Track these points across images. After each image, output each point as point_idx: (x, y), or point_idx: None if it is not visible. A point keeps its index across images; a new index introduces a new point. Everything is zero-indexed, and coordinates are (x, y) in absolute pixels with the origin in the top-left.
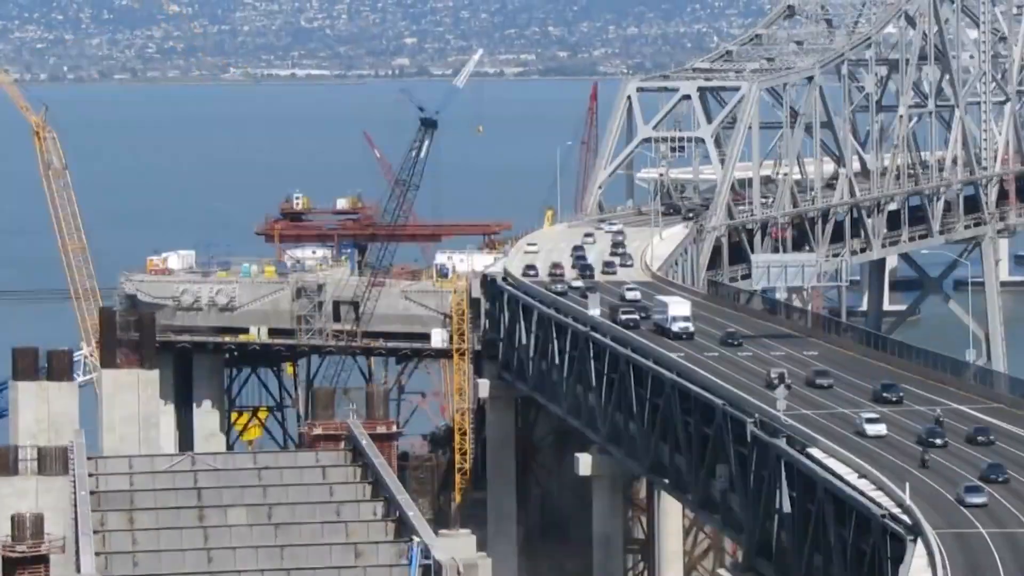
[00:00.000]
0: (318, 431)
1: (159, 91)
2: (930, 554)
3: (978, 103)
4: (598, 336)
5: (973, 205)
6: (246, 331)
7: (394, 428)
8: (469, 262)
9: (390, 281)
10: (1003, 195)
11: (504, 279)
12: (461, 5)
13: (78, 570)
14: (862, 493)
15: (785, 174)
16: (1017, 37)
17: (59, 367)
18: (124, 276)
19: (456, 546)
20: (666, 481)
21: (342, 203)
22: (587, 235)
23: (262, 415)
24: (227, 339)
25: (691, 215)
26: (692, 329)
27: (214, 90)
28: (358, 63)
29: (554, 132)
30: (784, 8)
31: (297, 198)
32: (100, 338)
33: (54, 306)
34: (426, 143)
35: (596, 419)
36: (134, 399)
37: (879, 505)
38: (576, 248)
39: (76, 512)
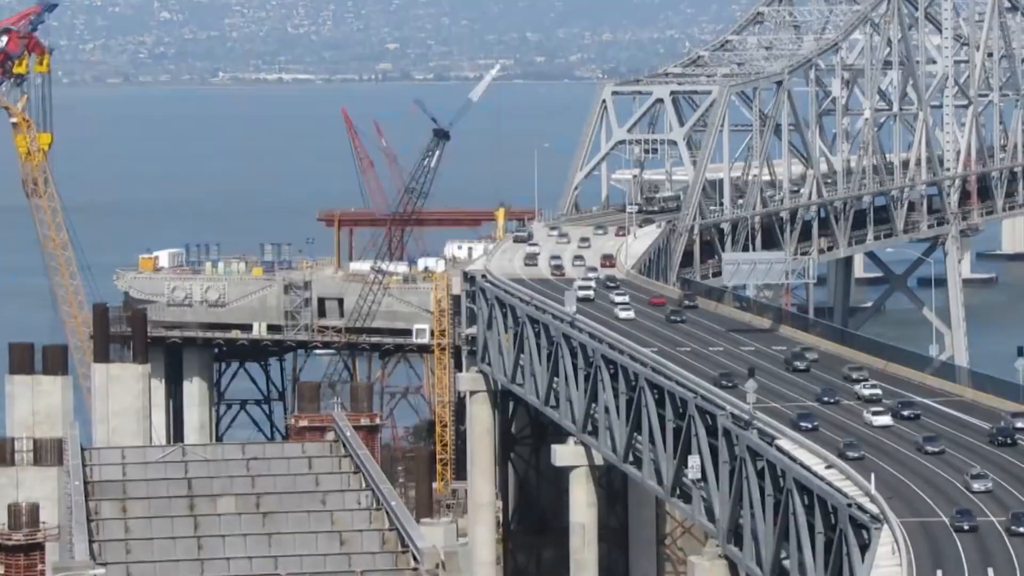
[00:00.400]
0: (304, 423)
1: (149, 95)
2: (895, 541)
3: (941, 107)
4: (574, 332)
5: (936, 205)
6: (243, 327)
7: (377, 420)
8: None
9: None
10: (965, 195)
11: (484, 276)
12: (442, 12)
13: (72, 557)
14: (829, 483)
15: (755, 175)
16: (979, 43)
17: (53, 362)
18: (117, 274)
19: (437, 534)
20: (640, 471)
21: None
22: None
23: None
24: (223, 334)
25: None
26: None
27: (203, 94)
28: (343, 68)
29: None
30: (753, 15)
31: None
32: (93, 333)
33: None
34: (437, 153)
35: (572, 411)
36: (126, 392)
37: (846, 495)
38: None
39: (71, 501)
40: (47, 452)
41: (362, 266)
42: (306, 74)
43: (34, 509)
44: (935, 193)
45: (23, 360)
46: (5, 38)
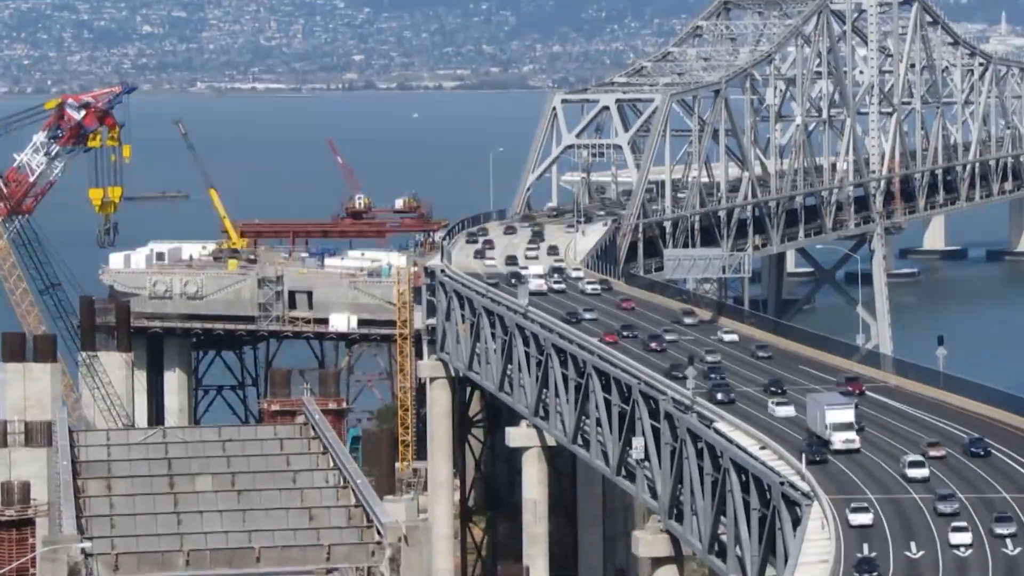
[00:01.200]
0: (276, 407)
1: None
2: (824, 517)
3: (867, 114)
4: (526, 322)
5: (862, 205)
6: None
7: (344, 405)
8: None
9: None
10: (890, 196)
11: (443, 271)
12: (404, 26)
13: (61, 531)
14: (764, 463)
15: (694, 177)
16: (902, 55)
17: (43, 350)
18: (102, 268)
19: (400, 510)
20: (587, 452)
21: (399, 203)
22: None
23: None
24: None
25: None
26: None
27: (183, 102)
28: (311, 78)
29: None
30: (693, 29)
31: (360, 198)
32: (81, 324)
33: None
34: None
35: (525, 396)
36: (111, 378)
37: (779, 474)
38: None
39: (59, 479)
40: (37, 434)
41: (334, 262)
42: (277, 83)
43: (25, 487)
44: (862, 194)
45: (15, 348)
46: (84, 112)
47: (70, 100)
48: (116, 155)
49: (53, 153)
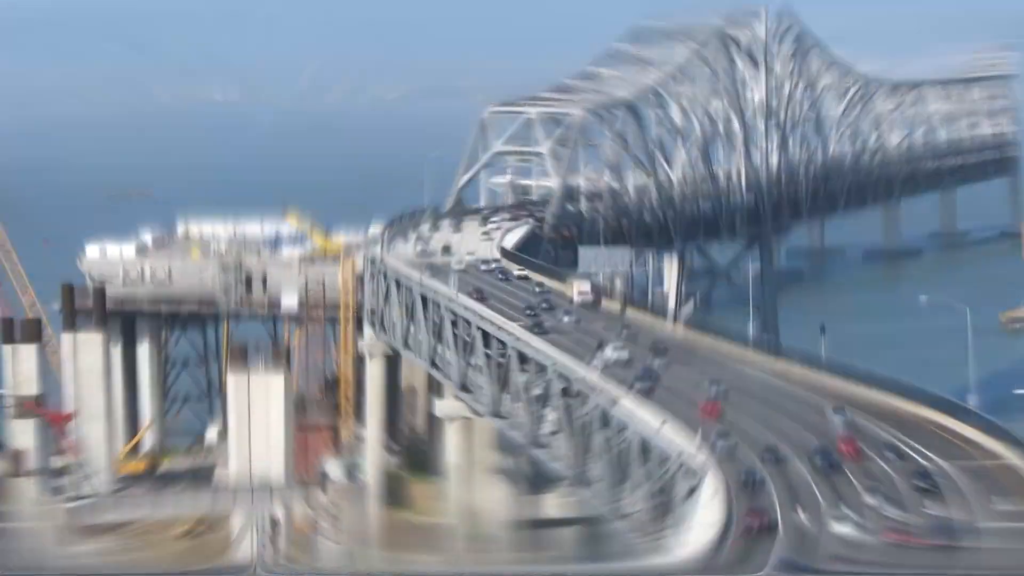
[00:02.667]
0: None
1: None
2: (715, 486)
3: (757, 128)
4: (455, 305)
5: (755, 209)
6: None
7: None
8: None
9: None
10: (778, 201)
11: (381, 260)
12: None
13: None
14: (663, 437)
15: (607, 182)
16: (789, 77)
17: (29, 332)
18: (79, 258)
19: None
20: (506, 423)
21: None
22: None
23: None
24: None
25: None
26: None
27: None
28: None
29: None
30: (608, 51)
31: None
32: (63, 307)
33: None
34: None
35: (451, 371)
36: (89, 355)
37: (676, 446)
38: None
39: None
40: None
41: (288, 249)
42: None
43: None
44: (753, 200)
45: (6, 331)
46: None
47: None
48: None
49: None
